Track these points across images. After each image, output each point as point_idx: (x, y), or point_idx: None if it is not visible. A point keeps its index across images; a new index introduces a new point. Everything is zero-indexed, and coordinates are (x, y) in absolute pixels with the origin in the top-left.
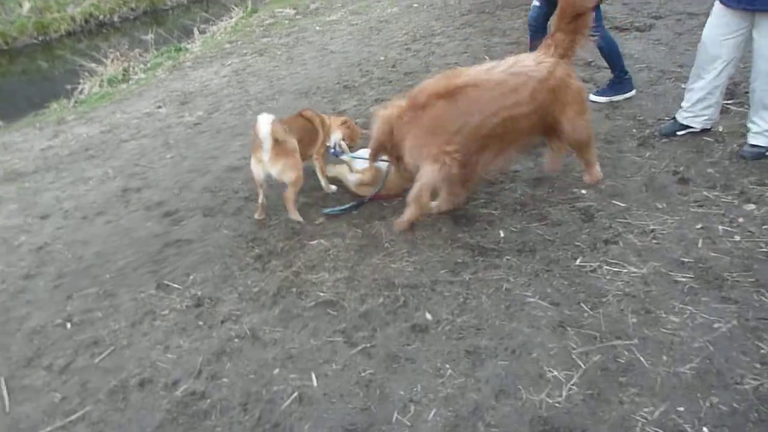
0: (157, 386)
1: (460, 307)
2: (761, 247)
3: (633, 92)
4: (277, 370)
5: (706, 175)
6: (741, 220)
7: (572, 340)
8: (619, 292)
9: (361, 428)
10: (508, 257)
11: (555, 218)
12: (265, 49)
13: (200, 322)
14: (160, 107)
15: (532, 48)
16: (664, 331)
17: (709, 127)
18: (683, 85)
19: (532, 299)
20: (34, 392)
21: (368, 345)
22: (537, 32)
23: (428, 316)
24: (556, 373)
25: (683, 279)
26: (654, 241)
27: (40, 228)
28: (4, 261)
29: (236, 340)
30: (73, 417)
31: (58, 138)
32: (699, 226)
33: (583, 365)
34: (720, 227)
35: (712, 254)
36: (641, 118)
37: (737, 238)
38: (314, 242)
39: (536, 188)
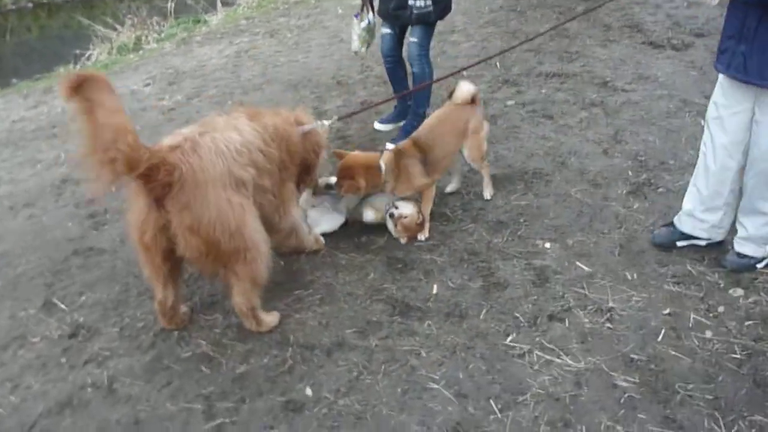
0: None
1: (350, 383)
2: (734, 352)
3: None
4: None
5: None
6: (721, 309)
7: None
8: (542, 391)
9: None
10: (431, 322)
11: (503, 276)
12: (278, 30)
13: (63, 359)
14: (147, 85)
15: (394, 82)
16: None
17: (720, 239)
18: (703, 121)
19: (436, 386)
20: None
21: (227, 420)
22: (396, 66)
23: (309, 391)
24: None
25: (625, 384)
26: (607, 324)
27: None
28: None
29: (89, 389)
30: None
31: (36, 109)
32: (667, 311)
33: None
34: (692, 316)
35: (672, 353)
36: (643, 158)
37: (708, 334)
38: None
39: (496, 233)
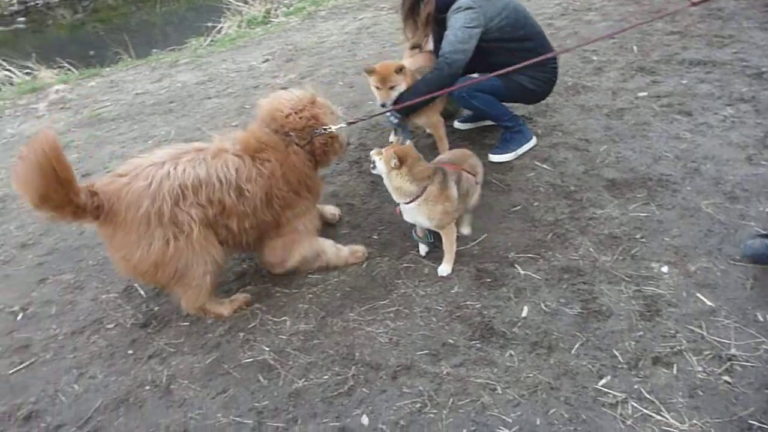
0: (39, 426)
1: (412, 416)
2: None
3: (534, 140)
4: None
5: None
6: None
7: None
8: None
9: None
10: (513, 352)
11: (606, 304)
12: None
13: (130, 351)
14: (266, 61)
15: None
16: None
17: None
18: None
19: (507, 431)
20: None
21: None
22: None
23: (365, 419)
24: None
25: None
26: (725, 377)
27: None
28: (16, 221)
29: (147, 387)
30: None
31: (160, 83)
32: None
33: None
34: None
35: None
36: None
37: None
38: None
39: (605, 250)
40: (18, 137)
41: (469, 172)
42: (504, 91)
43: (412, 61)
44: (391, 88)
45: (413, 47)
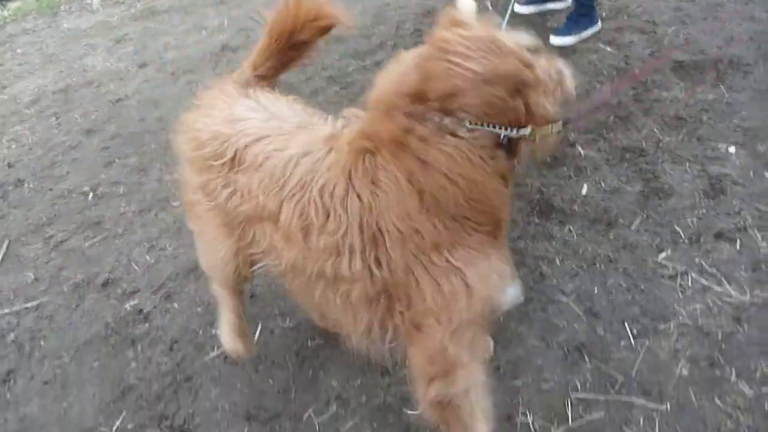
0: (116, 291)
1: None
2: None
3: (599, 26)
4: None
5: None
6: None
7: (580, 377)
8: (690, 323)
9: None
10: (572, 227)
11: (668, 182)
12: None
13: None
14: None
15: None
16: None
17: None
18: None
19: (565, 299)
20: (19, 265)
21: None
22: None
23: None
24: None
25: None
26: None
27: (131, 77)
28: (80, 110)
29: None
30: (29, 304)
31: None
32: None
33: (572, 419)
34: None
35: None
36: None
37: None
38: None
39: (670, 131)
40: (74, 31)
41: None
42: None
43: None
44: None
45: None
